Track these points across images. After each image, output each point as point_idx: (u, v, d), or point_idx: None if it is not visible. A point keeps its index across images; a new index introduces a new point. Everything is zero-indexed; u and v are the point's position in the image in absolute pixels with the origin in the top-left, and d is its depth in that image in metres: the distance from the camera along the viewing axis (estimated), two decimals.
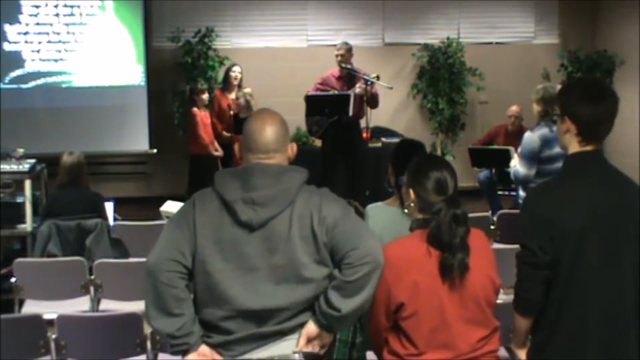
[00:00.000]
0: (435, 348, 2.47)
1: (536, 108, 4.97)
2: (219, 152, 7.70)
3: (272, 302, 2.34)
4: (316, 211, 2.37)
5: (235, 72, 7.66)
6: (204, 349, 2.37)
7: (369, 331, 2.70)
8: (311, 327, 2.37)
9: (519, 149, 4.98)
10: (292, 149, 2.54)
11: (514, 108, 7.74)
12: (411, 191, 2.59)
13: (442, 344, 2.47)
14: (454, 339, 2.48)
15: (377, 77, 7.11)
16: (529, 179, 4.81)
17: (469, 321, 2.50)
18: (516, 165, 4.95)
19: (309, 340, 2.38)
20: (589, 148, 2.49)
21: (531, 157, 4.81)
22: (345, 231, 2.35)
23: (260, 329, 2.35)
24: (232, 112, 7.52)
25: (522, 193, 4.99)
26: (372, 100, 7.17)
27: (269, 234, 2.35)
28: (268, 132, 2.45)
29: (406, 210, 2.71)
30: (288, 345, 2.37)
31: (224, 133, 7.59)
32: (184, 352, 2.37)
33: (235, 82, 7.64)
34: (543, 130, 4.86)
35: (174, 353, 2.41)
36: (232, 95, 7.63)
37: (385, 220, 3.26)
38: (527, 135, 4.92)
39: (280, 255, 2.34)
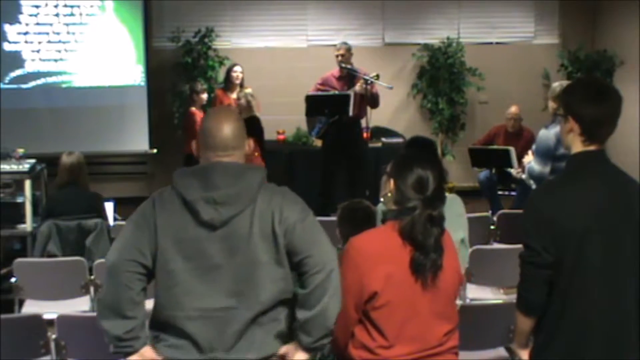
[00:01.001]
0: (405, 340, 2.47)
1: (552, 105, 4.94)
2: None
3: (232, 301, 2.33)
4: (278, 211, 2.37)
5: (237, 72, 7.66)
6: (145, 350, 2.36)
7: (336, 326, 2.69)
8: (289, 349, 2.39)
9: (534, 146, 4.94)
10: (249, 145, 2.54)
11: (512, 110, 7.72)
12: (391, 182, 2.58)
13: (412, 336, 2.48)
14: (424, 331, 2.48)
15: (377, 76, 7.11)
16: (543, 176, 4.77)
17: (438, 315, 2.51)
18: (531, 162, 4.92)
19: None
20: (592, 148, 2.48)
21: (546, 155, 4.77)
22: (302, 236, 2.36)
23: (220, 331, 2.33)
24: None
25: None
26: (372, 100, 7.17)
27: (231, 233, 2.34)
28: (226, 130, 2.44)
29: (381, 199, 2.71)
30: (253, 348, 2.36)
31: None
32: (126, 354, 2.36)
33: (237, 82, 7.65)
34: (558, 128, 4.82)
35: (115, 354, 2.38)
36: (234, 95, 7.63)
37: None
38: (543, 132, 4.88)
39: (242, 254, 2.34)
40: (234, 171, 2.40)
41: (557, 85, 5.02)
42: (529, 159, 4.98)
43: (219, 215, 2.33)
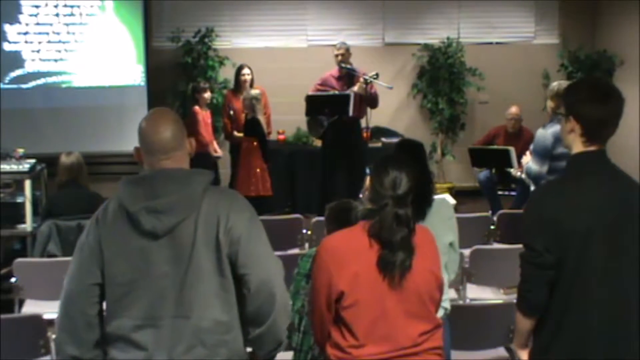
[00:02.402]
0: (376, 340, 2.47)
1: (550, 104, 4.94)
2: (218, 153, 7.71)
3: (180, 310, 2.31)
4: (224, 218, 2.33)
5: (244, 74, 7.65)
6: None
7: (312, 325, 2.71)
8: None
9: (532, 146, 4.95)
10: (191, 144, 2.50)
11: (512, 110, 7.73)
12: (369, 180, 2.63)
13: (382, 336, 2.47)
14: (395, 331, 2.48)
15: (377, 76, 7.11)
16: (541, 175, 4.78)
17: (410, 315, 2.50)
18: (529, 162, 4.93)
19: None
20: (593, 148, 2.48)
21: (544, 154, 4.77)
22: (246, 250, 2.33)
23: (169, 339, 2.31)
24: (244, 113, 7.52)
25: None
26: (371, 100, 7.17)
27: (175, 240, 2.32)
28: (163, 132, 2.39)
29: (360, 196, 2.74)
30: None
31: (235, 133, 7.57)
32: None
33: (246, 84, 7.64)
34: (555, 127, 4.82)
35: None
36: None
37: None
38: (540, 132, 4.89)
39: (186, 263, 2.31)
40: (178, 178, 2.35)
41: (556, 84, 5.03)
42: (527, 159, 4.99)
43: (161, 224, 2.30)
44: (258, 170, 7.23)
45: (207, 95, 7.70)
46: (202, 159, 7.44)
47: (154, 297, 2.31)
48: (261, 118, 7.24)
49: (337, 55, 7.31)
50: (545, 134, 4.81)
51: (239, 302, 2.36)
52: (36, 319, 3.63)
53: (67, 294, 2.38)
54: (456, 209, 4.39)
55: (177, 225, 2.31)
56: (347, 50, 7.34)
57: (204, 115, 7.58)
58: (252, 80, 7.65)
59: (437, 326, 2.57)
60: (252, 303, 2.32)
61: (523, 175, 5.15)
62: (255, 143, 7.24)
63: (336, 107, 7.21)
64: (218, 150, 7.73)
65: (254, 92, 7.36)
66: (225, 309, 2.33)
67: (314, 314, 2.63)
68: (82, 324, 2.35)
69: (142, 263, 2.32)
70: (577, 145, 2.50)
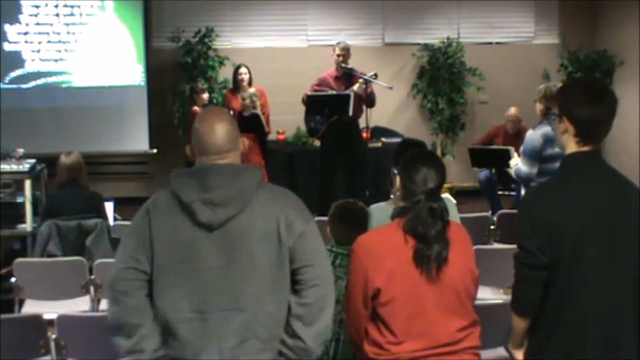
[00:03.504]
0: (414, 336, 2.49)
1: (538, 106, 4.97)
2: None
3: (232, 302, 2.31)
4: (283, 213, 2.36)
5: (242, 73, 7.67)
6: None
7: (348, 324, 2.72)
8: None
9: (521, 147, 4.97)
10: (244, 143, 2.53)
11: (512, 111, 7.73)
12: (398, 179, 2.67)
13: (420, 332, 2.49)
14: (432, 327, 2.49)
15: (375, 76, 7.11)
16: (531, 177, 4.80)
17: (447, 310, 2.51)
18: (518, 163, 4.95)
19: None
20: (586, 149, 2.49)
21: (533, 156, 4.80)
22: (308, 244, 2.37)
23: (216, 334, 2.31)
24: (233, 112, 7.53)
25: (523, 192, 4.98)
26: (369, 100, 7.17)
27: (228, 233, 2.33)
28: (218, 133, 2.41)
29: (391, 196, 2.78)
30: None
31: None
32: None
33: (244, 83, 7.65)
34: (545, 129, 4.85)
35: None
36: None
37: (388, 220, 3.26)
38: (529, 133, 4.92)
39: (240, 256, 2.32)
40: (229, 172, 2.37)
41: (543, 86, 5.08)
42: (516, 160, 5.02)
43: (217, 216, 2.31)
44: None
45: (205, 96, 7.72)
46: None
47: (203, 289, 2.31)
48: (259, 113, 7.29)
49: (338, 55, 7.29)
50: (535, 135, 4.84)
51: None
52: (36, 319, 3.63)
53: (110, 278, 2.37)
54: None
55: (232, 218, 2.32)
56: (348, 51, 7.33)
57: None
58: (250, 79, 7.66)
59: (474, 322, 2.58)
60: (307, 296, 2.34)
61: (513, 175, 5.16)
62: (254, 140, 7.25)
63: (336, 107, 7.21)
64: None
65: (252, 89, 7.40)
66: (279, 303, 2.36)
67: (349, 311, 2.64)
68: (129, 308, 2.33)
69: (192, 254, 2.32)
70: (571, 146, 2.51)
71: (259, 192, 2.38)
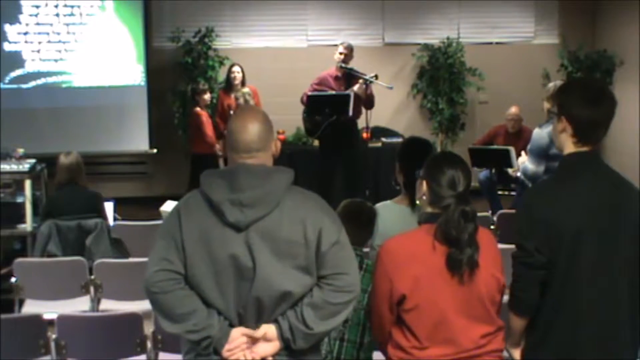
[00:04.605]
0: (438, 343, 2.47)
1: (546, 105, 4.95)
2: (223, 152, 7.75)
3: (258, 304, 2.34)
4: (311, 218, 2.37)
5: (234, 72, 7.72)
6: (234, 333, 2.34)
7: (372, 326, 2.71)
8: (271, 332, 2.36)
9: (528, 146, 4.96)
10: (276, 145, 2.51)
11: (512, 110, 7.72)
12: (424, 184, 2.61)
13: (445, 339, 2.47)
14: (457, 334, 2.47)
15: (376, 77, 7.11)
16: (537, 175, 4.78)
17: (471, 317, 2.49)
18: (525, 162, 4.93)
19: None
20: (584, 149, 2.49)
21: (540, 154, 4.78)
22: (341, 252, 2.39)
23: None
24: (232, 112, 7.54)
25: None
26: (368, 101, 7.17)
27: (256, 235, 2.33)
28: (250, 131, 2.42)
29: (417, 202, 2.73)
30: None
31: (226, 132, 7.58)
32: (215, 349, 2.34)
33: (236, 82, 7.67)
34: (551, 127, 4.83)
35: (207, 355, 2.35)
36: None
37: (395, 218, 3.28)
38: (536, 131, 4.89)
39: (265, 257, 2.32)
40: (259, 173, 2.37)
41: (552, 85, 5.04)
42: (523, 159, 5.00)
43: (245, 217, 2.32)
44: None
45: (207, 96, 7.74)
46: (205, 159, 7.47)
47: (232, 290, 2.33)
48: None
49: (341, 54, 7.28)
50: (541, 133, 4.82)
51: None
52: (36, 319, 3.63)
53: (146, 282, 2.37)
54: None
55: (260, 219, 2.33)
56: (352, 51, 7.33)
57: (207, 116, 7.61)
58: (243, 79, 7.68)
59: (498, 328, 2.56)
60: (333, 297, 2.35)
61: (519, 174, 5.15)
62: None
63: (336, 107, 7.21)
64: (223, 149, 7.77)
65: (245, 89, 7.42)
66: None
67: (373, 315, 2.62)
68: (172, 301, 2.33)
69: (222, 255, 2.33)
70: (569, 146, 2.51)
71: (289, 194, 2.38)
